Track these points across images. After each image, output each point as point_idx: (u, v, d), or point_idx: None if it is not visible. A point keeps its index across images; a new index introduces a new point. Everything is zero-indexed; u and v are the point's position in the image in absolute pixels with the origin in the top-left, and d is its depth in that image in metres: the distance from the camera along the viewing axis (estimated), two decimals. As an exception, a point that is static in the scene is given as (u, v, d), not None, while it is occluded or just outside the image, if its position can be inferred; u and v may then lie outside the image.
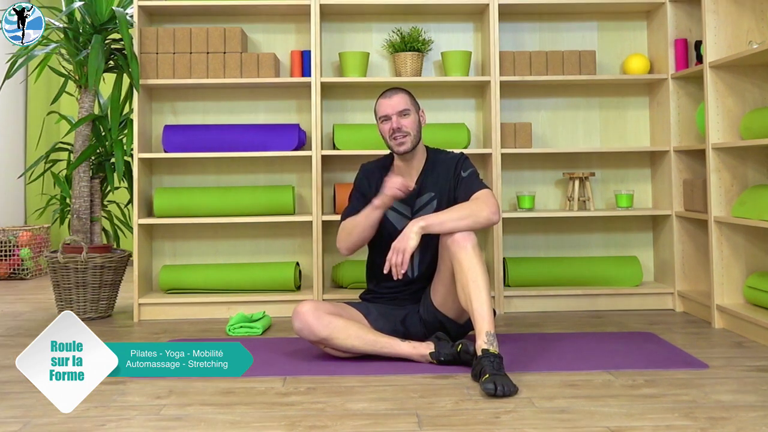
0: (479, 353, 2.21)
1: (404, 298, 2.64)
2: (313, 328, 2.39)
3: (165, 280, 3.38)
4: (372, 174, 2.68)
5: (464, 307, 2.35)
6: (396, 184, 2.42)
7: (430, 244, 2.54)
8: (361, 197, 2.64)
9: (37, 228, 5.06)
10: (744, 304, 2.95)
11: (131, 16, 3.40)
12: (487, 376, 2.10)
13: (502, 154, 3.43)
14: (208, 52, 3.38)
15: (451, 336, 2.52)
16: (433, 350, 2.40)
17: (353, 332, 2.42)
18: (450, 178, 2.57)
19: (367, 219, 2.51)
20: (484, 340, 2.22)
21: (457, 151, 2.68)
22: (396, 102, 2.56)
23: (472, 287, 2.30)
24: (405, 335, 2.56)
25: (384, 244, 2.53)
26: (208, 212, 3.37)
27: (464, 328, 2.56)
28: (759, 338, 2.71)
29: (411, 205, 2.60)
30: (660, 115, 3.51)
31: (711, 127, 3.01)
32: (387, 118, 2.56)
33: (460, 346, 2.38)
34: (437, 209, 2.54)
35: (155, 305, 3.33)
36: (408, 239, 2.33)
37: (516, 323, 3.12)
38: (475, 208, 2.40)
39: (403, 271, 2.33)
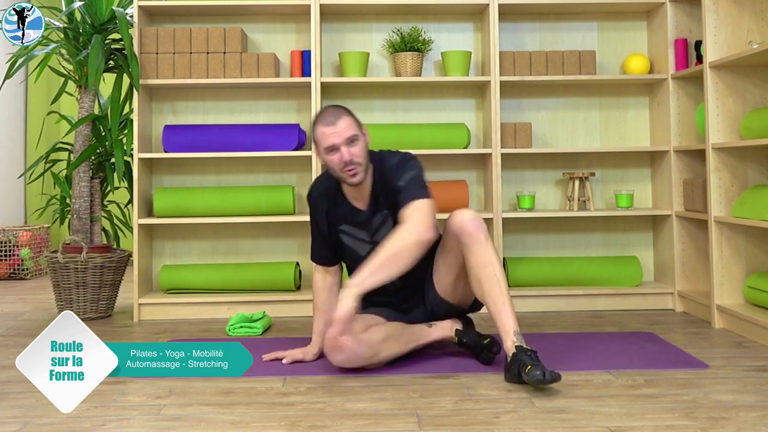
0: (513, 351, 2.17)
1: (400, 301, 2.56)
2: (358, 353, 2.27)
3: (165, 280, 3.38)
4: (319, 203, 2.47)
5: (481, 300, 2.31)
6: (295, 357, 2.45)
7: None
8: (318, 235, 2.50)
9: (37, 228, 5.06)
10: (744, 304, 2.95)
11: (131, 16, 3.40)
12: (530, 366, 2.07)
13: (502, 154, 3.43)
14: (208, 52, 3.38)
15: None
16: (460, 328, 2.43)
17: (392, 337, 2.35)
18: (392, 188, 2.36)
19: (318, 316, 2.51)
20: (513, 339, 2.19)
21: (403, 151, 2.47)
22: (342, 129, 2.29)
23: (494, 284, 2.24)
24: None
25: (355, 265, 2.46)
26: (208, 212, 3.37)
27: (472, 308, 2.56)
28: (759, 338, 2.71)
29: (367, 228, 2.43)
30: (660, 115, 3.51)
31: (711, 127, 3.01)
32: (334, 149, 2.29)
33: (488, 339, 2.40)
34: (395, 225, 2.39)
35: (155, 305, 3.33)
36: (340, 305, 2.16)
37: (516, 323, 3.11)
38: (401, 241, 2.19)
39: (343, 337, 2.22)
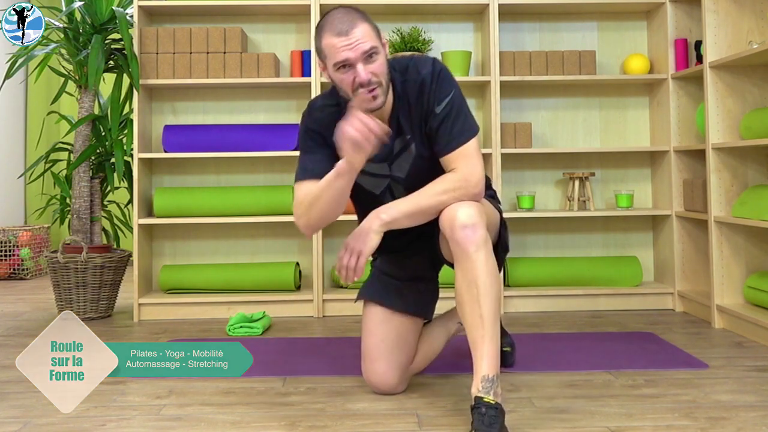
0: (472, 402, 1.71)
1: (404, 246, 2.16)
2: (399, 390, 2.11)
3: (165, 280, 3.38)
4: (319, 135, 1.94)
5: (462, 323, 1.84)
6: (369, 131, 1.66)
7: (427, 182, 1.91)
8: (316, 148, 1.92)
9: (37, 228, 5.06)
10: (744, 304, 2.95)
11: (131, 16, 3.40)
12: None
13: (502, 154, 3.43)
14: (208, 52, 3.38)
15: None
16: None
17: (424, 352, 2.18)
18: (421, 110, 1.89)
19: (330, 190, 1.80)
20: (479, 386, 1.71)
21: (423, 55, 2.00)
22: (358, 39, 1.76)
23: (474, 312, 1.74)
24: (421, 280, 2.16)
25: (368, 208, 1.97)
26: (208, 212, 3.37)
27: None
28: (759, 338, 2.71)
29: (386, 159, 1.96)
30: (660, 115, 3.51)
31: (711, 127, 3.01)
32: (347, 65, 1.78)
33: (506, 339, 2.30)
34: (417, 156, 1.93)
35: (155, 305, 3.33)
36: (366, 239, 1.81)
37: (516, 323, 3.11)
38: (446, 195, 1.81)
39: (356, 278, 1.84)
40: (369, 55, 1.78)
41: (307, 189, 1.86)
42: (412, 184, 1.95)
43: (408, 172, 1.97)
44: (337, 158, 1.86)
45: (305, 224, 1.88)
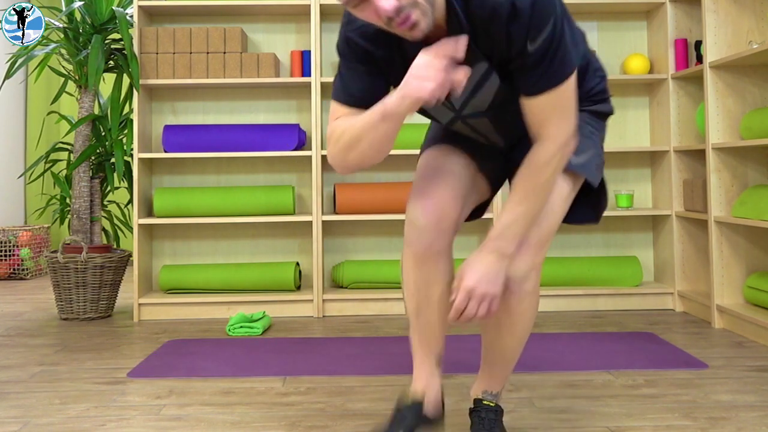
0: (472, 404, 1.69)
1: (481, 145, 1.72)
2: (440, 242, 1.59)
3: (165, 280, 3.38)
4: (369, 31, 1.45)
5: (483, 340, 1.65)
6: (448, 78, 1.30)
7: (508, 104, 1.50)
8: (355, 62, 1.47)
9: (37, 228, 5.06)
10: (744, 304, 2.95)
11: (131, 16, 3.40)
12: None
13: (502, 154, 3.43)
14: (208, 52, 3.39)
15: None
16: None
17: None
18: (501, 41, 1.35)
19: (374, 132, 1.39)
20: (480, 393, 1.68)
21: None
22: None
23: (500, 337, 1.59)
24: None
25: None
26: (208, 212, 3.37)
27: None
28: (759, 338, 2.71)
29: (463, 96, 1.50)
30: (660, 115, 3.51)
31: (711, 127, 3.01)
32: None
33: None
34: (500, 84, 1.44)
35: (155, 305, 3.33)
36: (497, 280, 1.45)
37: (516, 323, 3.11)
38: (551, 178, 1.44)
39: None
40: None
41: (345, 124, 1.46)
42: (497, 115, 1.54)
43: (491, 103, 1.50)
44: (383, 76, 1.48)
45: (341, 166, 1.51)
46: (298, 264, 3.46)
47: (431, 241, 1.57)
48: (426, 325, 1.62)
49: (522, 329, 1.58)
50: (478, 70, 1.43)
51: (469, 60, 1.41)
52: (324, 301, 3.33)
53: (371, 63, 1.47)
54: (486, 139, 1.65)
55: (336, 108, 1.52)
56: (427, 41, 1.41)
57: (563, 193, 1.55)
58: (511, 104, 1.51)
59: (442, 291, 1.60)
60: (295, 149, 3.41)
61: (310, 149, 3.45)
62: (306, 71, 3.43)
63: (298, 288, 3.46)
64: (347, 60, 1.48)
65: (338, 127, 1.48)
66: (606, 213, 3.40)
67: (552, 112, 1.40)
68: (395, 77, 1.48)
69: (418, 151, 3.33)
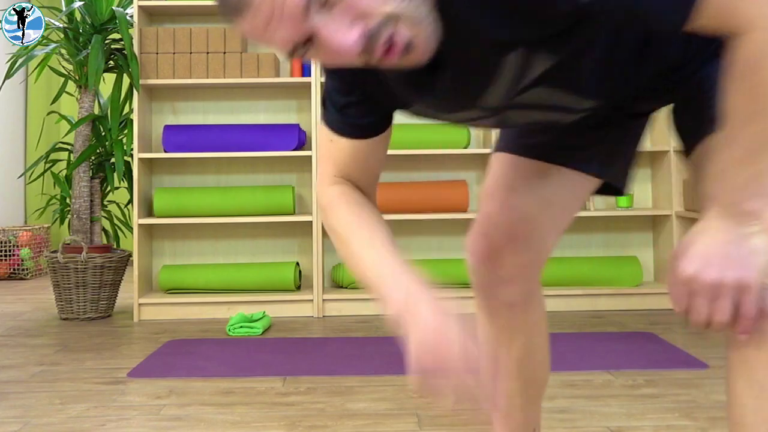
0: None
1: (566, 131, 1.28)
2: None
3: (165, 280, 3.38)
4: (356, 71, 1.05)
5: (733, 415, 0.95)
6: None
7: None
8: (341, 88, 1.07)
9: (37, 228, 5.06)
10: (744, 304, 2.95)
11: (131, 16, 3.40)
12: None
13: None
14: (208, 52, 3.39)
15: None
16: None
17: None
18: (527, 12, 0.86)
19: (356, 263, 1.05)
20: None
21: None
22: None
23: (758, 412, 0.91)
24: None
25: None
26: (208, 212, 3.37)
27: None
28: (759, 338, 2.71)
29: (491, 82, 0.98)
30: (660, 115, 3.51)
31: (711, 127, 3.01)
32: (296, 47, 0.85)
33: None
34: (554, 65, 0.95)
35: (155, 305, 3.33)
36: (751, 258, 0.86)
37: (516, 323, 3.11)
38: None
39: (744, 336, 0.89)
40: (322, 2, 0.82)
41: (344, 223, 1.16)
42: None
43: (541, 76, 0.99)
44: (373, 102, 1.08)
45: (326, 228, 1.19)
46: (298, 264, 3.47)
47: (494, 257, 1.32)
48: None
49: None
50: (516, 56, 0.93)
51: (498, 49, 0.92)
52: (324, 301, 3.33)
53: (357, 90, 1.08)
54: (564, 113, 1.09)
55: (324, 148, 1.15)
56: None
57: None
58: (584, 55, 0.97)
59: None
60: (295, 149, 3.41)
61: (310, 149, 3.45)
62: (306, 71, 3.43)
63: (298, 288, 3.46)
64: (331, 84, 1.09)
65: (333, 214, 1.18)
66: (606, 213, 3.40)
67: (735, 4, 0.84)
68: (390, 99, 1.08)
69: (417, 151, 3.33)
